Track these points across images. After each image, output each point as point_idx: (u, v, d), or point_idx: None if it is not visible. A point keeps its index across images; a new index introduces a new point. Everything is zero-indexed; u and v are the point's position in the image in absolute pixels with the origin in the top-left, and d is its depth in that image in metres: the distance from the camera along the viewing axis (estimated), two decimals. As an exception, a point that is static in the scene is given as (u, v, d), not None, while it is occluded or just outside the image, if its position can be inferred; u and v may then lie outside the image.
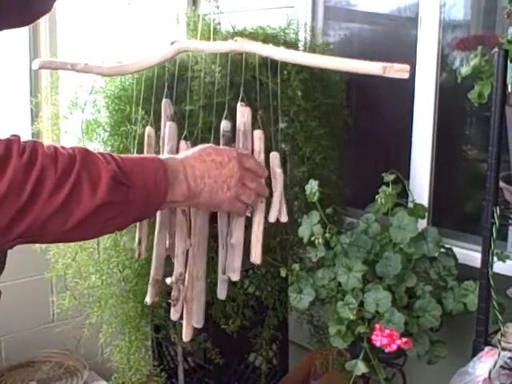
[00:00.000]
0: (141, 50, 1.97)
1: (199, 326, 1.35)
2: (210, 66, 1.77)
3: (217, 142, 1.30)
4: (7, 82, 2.37)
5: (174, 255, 1.32)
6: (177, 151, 1.34)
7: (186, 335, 1.35)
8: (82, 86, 1.90)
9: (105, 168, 0.89)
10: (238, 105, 1.26)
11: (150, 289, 1.38)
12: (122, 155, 0.94)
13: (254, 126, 1.26)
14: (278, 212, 1.25)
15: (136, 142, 1.83)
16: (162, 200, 0.98)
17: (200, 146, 1.08)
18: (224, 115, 1.28)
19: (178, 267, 1.31)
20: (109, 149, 1.91)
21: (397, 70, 1.06)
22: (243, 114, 1.25)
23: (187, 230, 1.29)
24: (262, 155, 1.24)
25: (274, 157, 1.25)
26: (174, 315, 1.35)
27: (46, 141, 2.18)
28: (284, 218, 1.25)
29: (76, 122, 1.93)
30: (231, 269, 1.30)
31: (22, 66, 2.42)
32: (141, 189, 0.93)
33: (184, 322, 1.35)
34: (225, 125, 1.29)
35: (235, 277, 1.30)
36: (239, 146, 1.24)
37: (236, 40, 1.26)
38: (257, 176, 1.12)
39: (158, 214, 1.33)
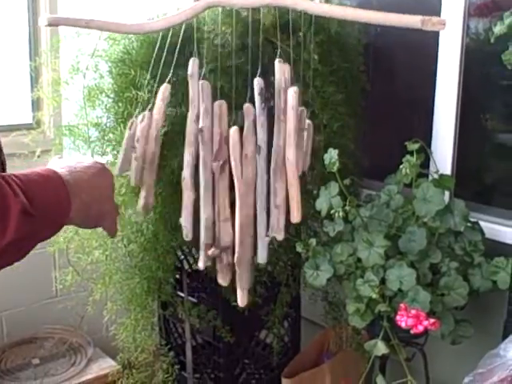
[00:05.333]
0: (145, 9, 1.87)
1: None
2: (219, 27, 1.64)
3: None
4: (5, 46, 2.25)
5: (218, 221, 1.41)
6: (212, 111, 1.35)
7: (242, 300, 1.48)
8: (80, 50, 1.77)
9: (14, 201, 0.76)
10: (276, 61, 1.31)
11: (201, 254, 1.42)
12: (22, 176, 0.82)
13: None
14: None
15: (141, 108, 1.72)
16: (65, 218, 0.87)
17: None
18: (258, 72, 1.28)
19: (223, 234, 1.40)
20: (112, 116, 1.80)
21: (434, 23, 1.11)
22: (283, 70, 1.30)
23: (229, 196, 1.37)
24: (294, 111, 1.32)
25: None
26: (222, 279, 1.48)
27: (47, 108, 2.08)
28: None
29: (78, 87, 1.81)
30: (276, 229, 1.38)
31: (20, 27, 2.30)
32: (46, 214, 0.82)
33: (238, 287, 1.47)
34: (260, 84, 1.31)
35: (281, 236, 1.40)
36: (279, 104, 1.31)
37: None
38: None
39: (202, 177, 1.36)
